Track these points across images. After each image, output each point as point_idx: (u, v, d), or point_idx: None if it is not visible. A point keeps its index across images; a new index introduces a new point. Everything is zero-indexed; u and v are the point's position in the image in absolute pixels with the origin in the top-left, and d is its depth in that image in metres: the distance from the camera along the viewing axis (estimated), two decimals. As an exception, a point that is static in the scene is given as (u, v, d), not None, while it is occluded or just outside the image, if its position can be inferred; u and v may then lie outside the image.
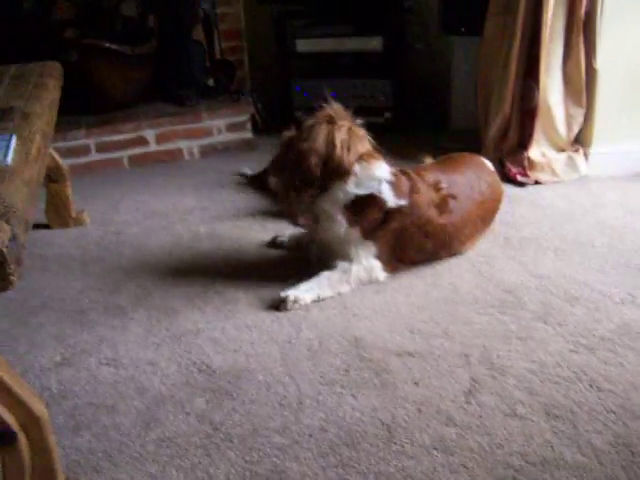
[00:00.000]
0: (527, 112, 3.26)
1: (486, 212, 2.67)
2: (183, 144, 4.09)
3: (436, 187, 2.51)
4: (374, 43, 4.07)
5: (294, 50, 4.23)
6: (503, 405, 1.82)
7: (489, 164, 2.79)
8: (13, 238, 1.22)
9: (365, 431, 1.75)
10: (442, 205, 2.49)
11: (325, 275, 2.41)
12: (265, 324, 2.26)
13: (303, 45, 4.19)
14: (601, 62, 3.18)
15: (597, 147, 3.32)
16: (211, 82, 4.36)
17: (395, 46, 4.15)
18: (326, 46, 4.18)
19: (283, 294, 2.35)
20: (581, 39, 3.12)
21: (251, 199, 3.35)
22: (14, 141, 1.75)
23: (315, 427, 1.77)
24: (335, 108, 2.46)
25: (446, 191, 2.51)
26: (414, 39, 4.41)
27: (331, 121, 2.42)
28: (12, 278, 1.17)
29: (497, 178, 2.77)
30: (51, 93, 2.45)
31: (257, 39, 4.66)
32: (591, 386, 1.87)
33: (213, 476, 1.64)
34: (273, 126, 4.40)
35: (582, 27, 3.11)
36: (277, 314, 2.31)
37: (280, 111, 4.41)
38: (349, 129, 2.43)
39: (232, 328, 2.25)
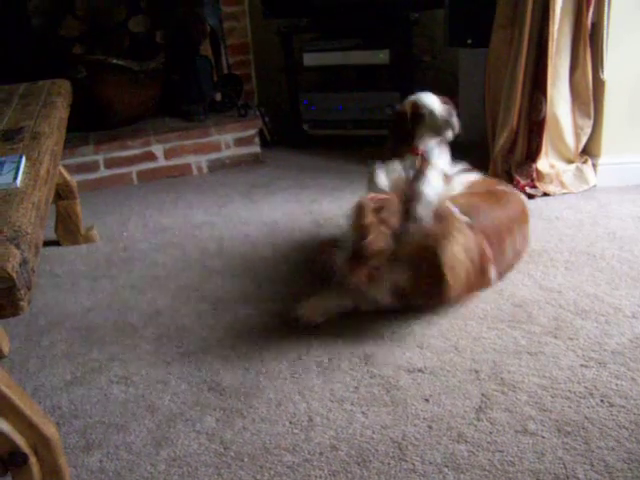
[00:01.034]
0: (535, 124, 3.25)
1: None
2: (191, 159, 4.10)
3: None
4: (381, 56, 4.07)
5: (301, 64, 4.25)
6: (514, 421, 1.81)
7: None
8: (23, 263, 1.22)
9: (376, 449, 1.74)
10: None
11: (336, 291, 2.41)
12: (275, 341, 2.26)
13: (310, 59, 4.20)
14: (608, 73, 3.17)
15: (605, 158, 3.31)
16: (219, 97, 4.38)
17: (402, 59, 4.15)
18: (333, 60, 4.18)
19: (295, 311, 2.34)
20: (588, 50, 3.12)
21: (259, 214, 3.36)
22: (23, 162, 1.76)
23: (326, 445, 1.77)
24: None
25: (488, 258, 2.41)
26: (421, 52, 4.41)
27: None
28: (22, 303, 1.18)
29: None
30: (60, 112, 2.46)
31: (264, 53, 4.67)
32: (602, 401, 1.86)
33: (224, 496, 1.64)
34: (281, 140, 4.42)
35: (589, 38, 3.11)
36: (287, 330, 2.31)
37: (288, 125, 4.42)
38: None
39: (242, 345, 2.25)
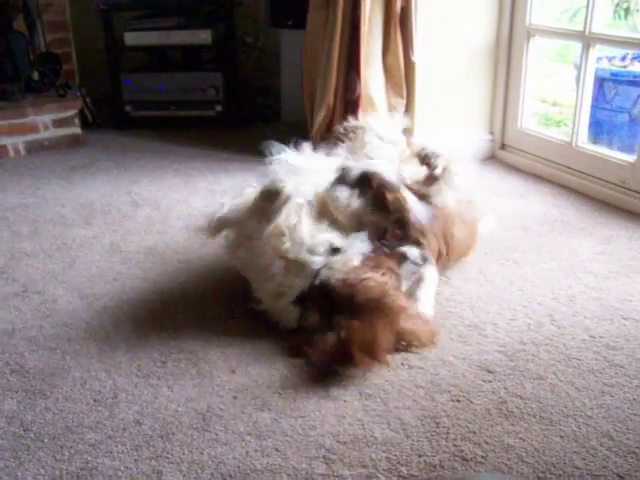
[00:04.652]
0: (350, 103, 3.34)
1: None
2: (7, 140, 3.92)
3: None
4: (203, 36, 4.05)
5: (122, 43, 4.16)
6: (304, 388, 1.86)
7: None
8: None
9: (180, 422, 1.74)
10: None
11: None
12: (84, 321, 2.21)
13: (131, 38, 4.12)
14: (418, 55, 3.30)
15: (418, 135, 3.44)
16: (36, 76, 4.20)
17: (225, 39, 4.15)
18: (155, 39, 4.13)
19: None
20: (398, 33, 3.23)
21: (77, 195, 3.27)
22: None
23: (130, 421, 1.75)
24: None
25: None
26: (244, 32, 4.43)
27: None
28: None
29: None
30: None
31: (86, 31, 4.53)
32: (403, 364, 1.95)
33: (20, 479, 1.59)
34: (103, 121, 4.32)
35: (399, 22, 3.22)
36: (96, 310, 2.26)
37: (110, 106, 4.32)
38: None
39: (49, 326, 2.18)
